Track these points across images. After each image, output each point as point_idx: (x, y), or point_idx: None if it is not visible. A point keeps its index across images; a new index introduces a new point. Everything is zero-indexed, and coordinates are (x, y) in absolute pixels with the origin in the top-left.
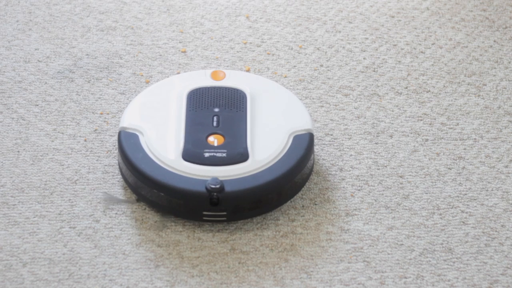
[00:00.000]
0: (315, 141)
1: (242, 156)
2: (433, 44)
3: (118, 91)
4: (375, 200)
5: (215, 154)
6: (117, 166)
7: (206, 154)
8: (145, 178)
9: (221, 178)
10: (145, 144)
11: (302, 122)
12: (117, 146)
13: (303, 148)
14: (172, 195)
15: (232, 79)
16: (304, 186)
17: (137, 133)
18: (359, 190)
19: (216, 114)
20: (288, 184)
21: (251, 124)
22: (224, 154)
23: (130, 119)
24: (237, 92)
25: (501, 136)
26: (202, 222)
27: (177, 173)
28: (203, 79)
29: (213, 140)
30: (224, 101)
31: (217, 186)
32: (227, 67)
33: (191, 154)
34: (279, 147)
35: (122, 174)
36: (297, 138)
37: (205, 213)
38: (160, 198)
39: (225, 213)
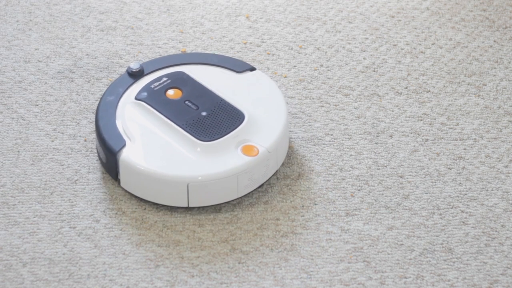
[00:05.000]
0: (315, 141)
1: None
2: (433, 44)
3: None
4: (375, 200)
5: None
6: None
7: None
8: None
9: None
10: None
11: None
12: None
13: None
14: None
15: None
16: (304, 186)
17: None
18: (359, 190)
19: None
20: None
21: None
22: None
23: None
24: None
25: (501, 136)
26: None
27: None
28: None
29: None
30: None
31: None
32: None
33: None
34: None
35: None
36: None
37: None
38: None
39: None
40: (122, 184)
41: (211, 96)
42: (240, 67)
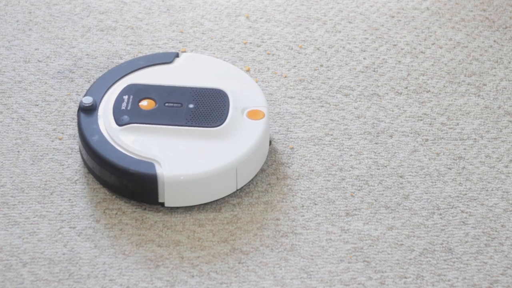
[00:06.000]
0: (315, 141)
1: None
2: (433, 44)
3: None
4: (375, 200)
5: None
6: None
7: None
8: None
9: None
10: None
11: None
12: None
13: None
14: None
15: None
16: (304, 186)
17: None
18: (359, 190)
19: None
20: None
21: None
22: None
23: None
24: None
25: (501, 136)
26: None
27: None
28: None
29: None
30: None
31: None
32: None
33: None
34: None
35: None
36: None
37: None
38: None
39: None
40: (167, 203)
41: (179, 90)
42: (167, 57)
